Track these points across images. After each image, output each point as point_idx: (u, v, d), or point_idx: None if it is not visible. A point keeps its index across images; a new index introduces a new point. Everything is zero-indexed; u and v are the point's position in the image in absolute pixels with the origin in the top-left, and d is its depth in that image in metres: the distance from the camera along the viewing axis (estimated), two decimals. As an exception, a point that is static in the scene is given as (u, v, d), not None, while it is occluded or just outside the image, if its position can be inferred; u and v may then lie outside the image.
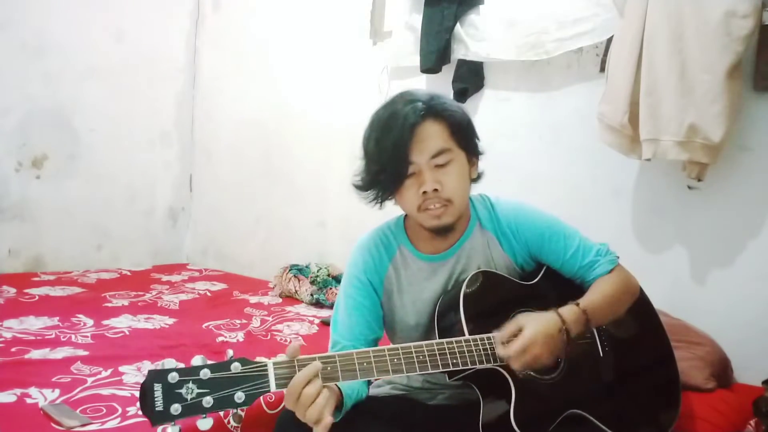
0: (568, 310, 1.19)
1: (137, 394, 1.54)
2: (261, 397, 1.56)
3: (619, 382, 1.29)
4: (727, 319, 1.90)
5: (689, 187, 1.98)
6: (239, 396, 0.95)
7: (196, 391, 0.93)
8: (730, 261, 1.93)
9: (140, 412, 1.43)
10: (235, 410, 0.96)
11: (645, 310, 1.40)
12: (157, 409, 0.91)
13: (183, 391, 0.93)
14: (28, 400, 1.50)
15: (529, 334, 1.11)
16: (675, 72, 1.79)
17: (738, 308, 1.90)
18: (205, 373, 0.94)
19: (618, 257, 1.36)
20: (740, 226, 1.92)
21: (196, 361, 0.96)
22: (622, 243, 1.93)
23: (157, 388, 0.92)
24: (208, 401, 0.93)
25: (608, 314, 1.27)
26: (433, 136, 1.22)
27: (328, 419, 1.00)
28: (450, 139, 1.24)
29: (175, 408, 0.91)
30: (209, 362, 0.96)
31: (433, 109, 1.23)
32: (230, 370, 0.96)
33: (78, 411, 1.44)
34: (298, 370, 1.00)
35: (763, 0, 1.73)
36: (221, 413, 1.46)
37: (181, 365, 0.95)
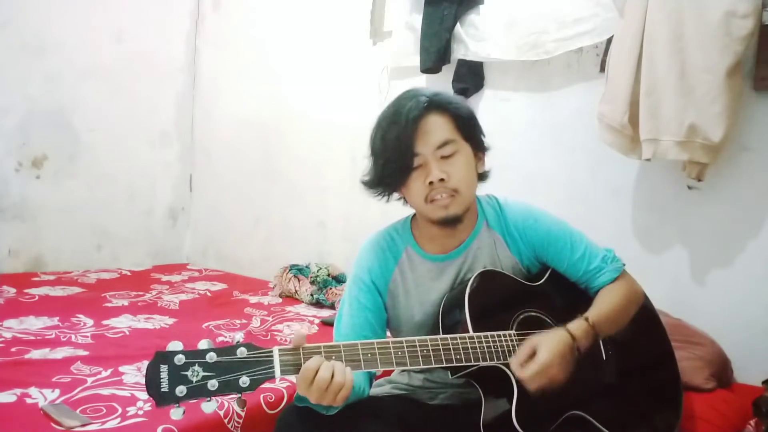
0: (577, 326, 1.20)
1: (137, 394, 1.55)
2: (261, 398, 1.58)
3: (621, 386, 1.29)
4: (727, 319, 1.90)
5: (689, 187, 1.98)
6: (244, 380, 0.96)
7: (202, 374, 0.94)
8: (730, 261, 1.93)
9: (139, 411, 1.45)
10: (239, 395, 0.97)
11: (647, 315, 1.41)
12: (162, 390, 0.92)
13: (189, 373, 0.94)
14: (28, 400, 1.49)
15: (544, 357, 1.11)
16: (675, 72, 1.79)
17: (738, 308, 1.90)
18: (211, 357, 0.95)
19: (624, 264, 1.37)
20: (740, 226, 1.91)
21: (203, 344, 0.97)
22: (622, 243, 1.93)
23: (163, 369, 0.93)
24: (213, 384, 0.94)
25: (615, 325, 1.28)
26: (437, 127, 1.25)
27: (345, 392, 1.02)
28: (455, 131, 1.26)
29: (180, 390, 0.93)
30: (215, 346, 0.97)
31: (436, 102, 1.26)
32: (236, 355, 0.97)
33: (78, 411, 1.44)
34: (303, 358, 1.00)
35: (763, 0, 1.73)
36: (223, 412, 1.47)
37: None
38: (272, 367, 0.98)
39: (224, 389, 0.95)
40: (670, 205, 2.04)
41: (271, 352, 0.99)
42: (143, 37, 3.46)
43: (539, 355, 1.12)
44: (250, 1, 3.46)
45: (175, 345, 0.96)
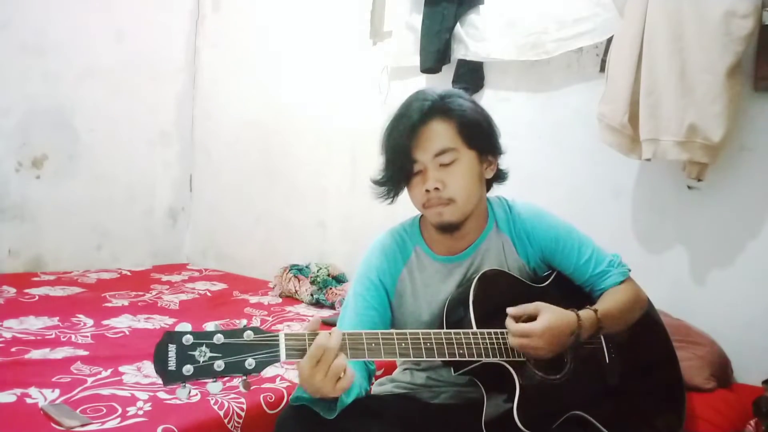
0: (586, 316, 1.20)
1: (137, 394, 1.55)
2: (261, 398, 1.58)
3: (624, 389, 1.29)
4: (727, 319, 1.90)
5: (689, 187, 1.98)
6: (250, 362, 0.98)
7: (209, 354, 0.96)
8: (730, 261, 1.93)
9: (139, 411, 1.45)
10: (244, 377, 0.98)
11: (651, 319, 1.41)
12: (169, 368, 0.94)
13: (196, 353, 0.96)
14: (28, 400, 1.50)
15: (540, 325, 1.13)
16: (675, 72, 1.79)
17: (738, 308, 1.90)
18: (218, 338, 0.97)
19: (630, 270, 1.37)
20: (740, 226, 1.92)
21: (210, 326, 0.99)
22: (622, 243, 1.93)
23: (171, 348, 0.95)
24: (219, 365, 0.96)
25: (619, 323, 1.29)
26: (437, 135, 1.24)
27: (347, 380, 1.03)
28: (457, 138, 1.24)
29: (187, 369, 0.94)
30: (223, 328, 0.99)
31: (441, 108, 1.24)
32: (243, 337, 0.99)
33: (78, 411, 1.44)
34: (309, 344, 1.01)
35: (763, 0, 1.73)
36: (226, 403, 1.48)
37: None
38: (278, 351, 0.99)
39: (230, 370, 0.96)
40: (670, 205, 2.04)
41: (277, 336, 1.01)
42: (143, 37, 3.46)
43: (536, 321, 1.14)
44: (250, 1, 3.46)
45: (183, 326, 0.97)
